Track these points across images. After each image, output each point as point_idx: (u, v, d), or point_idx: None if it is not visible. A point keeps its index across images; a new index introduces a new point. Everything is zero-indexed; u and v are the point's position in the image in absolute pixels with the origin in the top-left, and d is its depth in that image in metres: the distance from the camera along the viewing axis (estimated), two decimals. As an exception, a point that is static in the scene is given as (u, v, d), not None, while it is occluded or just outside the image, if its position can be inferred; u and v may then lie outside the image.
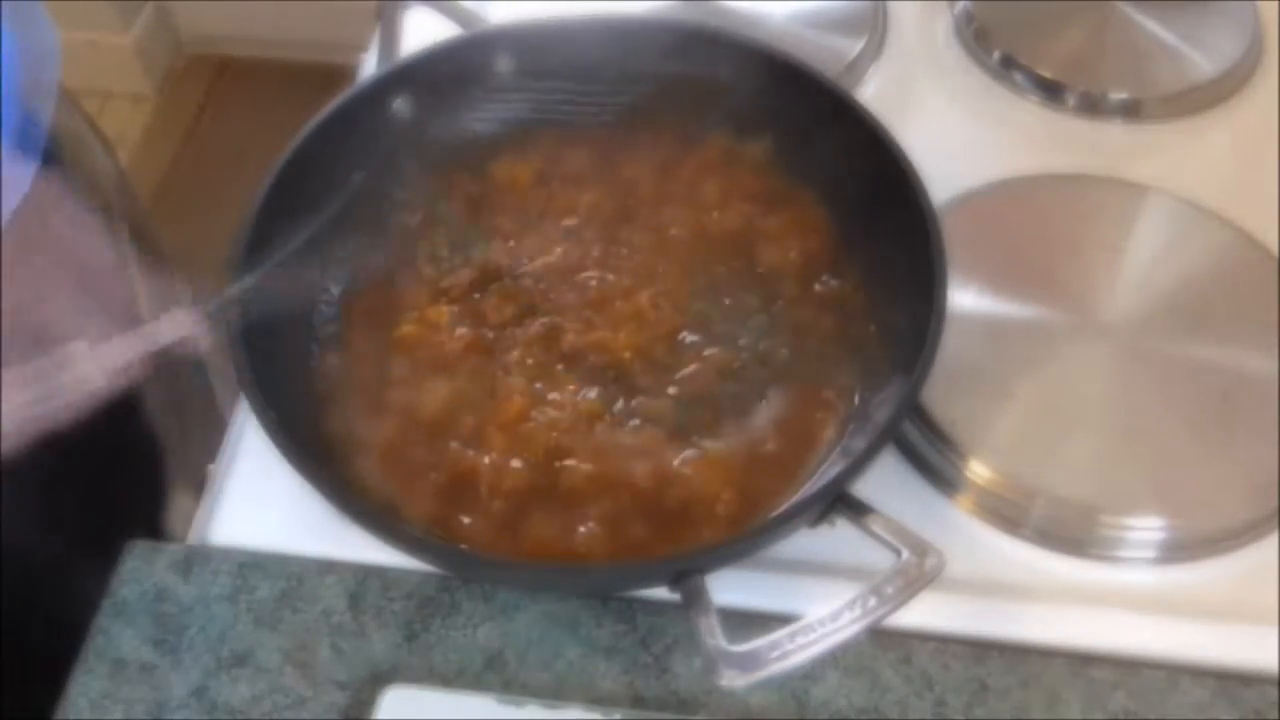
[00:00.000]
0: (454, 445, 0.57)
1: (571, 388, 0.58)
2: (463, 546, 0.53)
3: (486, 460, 0.56)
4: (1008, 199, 0.69)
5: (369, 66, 0.74)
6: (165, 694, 0.53)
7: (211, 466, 0.62)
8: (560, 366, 0.59)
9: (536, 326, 0.60)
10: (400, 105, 0.65)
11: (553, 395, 0.58)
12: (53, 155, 0.65)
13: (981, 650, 0.54)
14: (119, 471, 0.77)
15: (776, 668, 0.44)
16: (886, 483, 0.53)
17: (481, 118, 0.68)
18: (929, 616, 0.54)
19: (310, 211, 0.60)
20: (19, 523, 0.66)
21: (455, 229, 0.65)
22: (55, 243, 0.58)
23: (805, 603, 0.48)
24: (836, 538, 0.50)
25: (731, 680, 0.45)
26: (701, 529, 0.54)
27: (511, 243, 0.64)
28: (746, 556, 0.50)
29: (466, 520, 0.55)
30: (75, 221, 0.60)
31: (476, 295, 0.62)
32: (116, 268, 0.62)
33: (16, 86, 0.61)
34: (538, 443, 0.56)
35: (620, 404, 0.58)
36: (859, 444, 0.55)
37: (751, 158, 0.67)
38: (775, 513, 0.54)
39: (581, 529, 0.54)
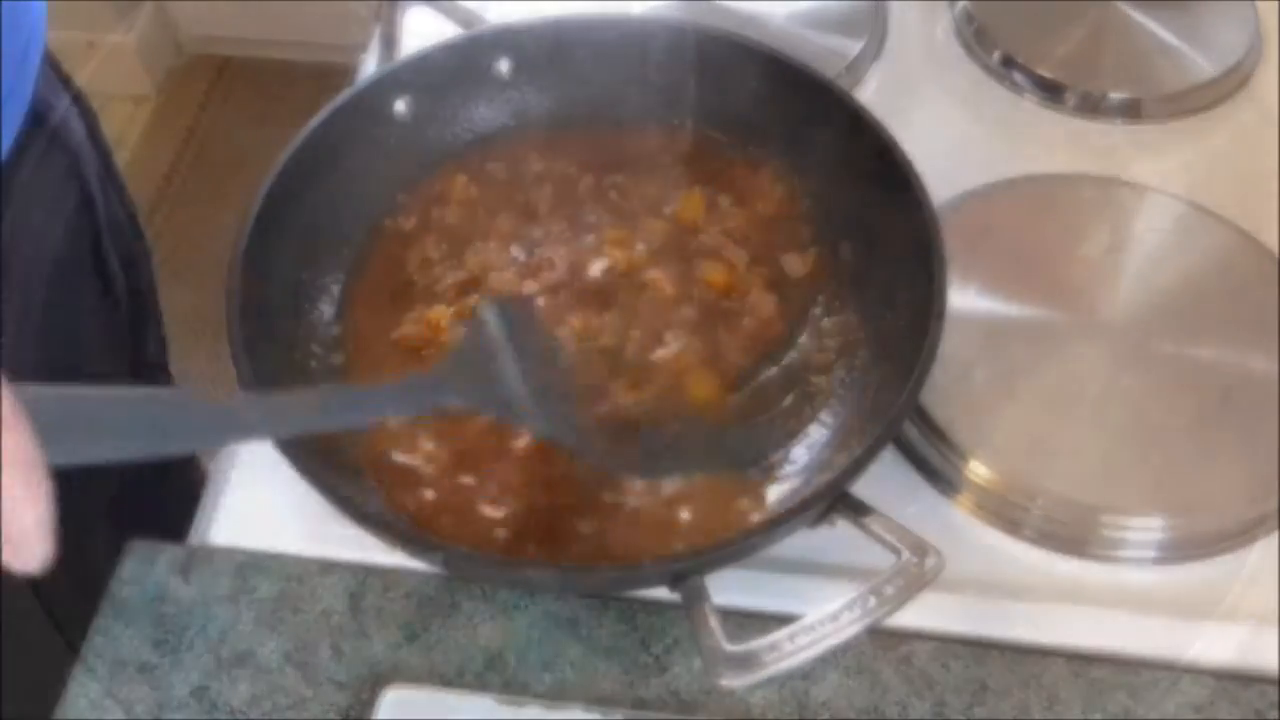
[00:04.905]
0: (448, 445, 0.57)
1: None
2: (462, 547, 0.53)
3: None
4: (1007, 199, 0.69)
5: (369, 66, 0.74)
6: (165, 694, 0.53)
7: (211, 466, 0.62)
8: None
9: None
10: (400, 105, 0.65)
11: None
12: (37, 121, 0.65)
13: (981, 650, 0.54)
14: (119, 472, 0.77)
15: (776, 668, 0.44)
16: (886, 483, 0.53)
17: (481, 118, 0.68)
18: (929, 616, 0.54)
19: (310, 212, 0.60)
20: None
21: (453, 230, 0.65)
22: None
23: (805, 603, 0.47)
24: (836, 538, 0.50)
25: (731, 680, 0.45)
26: (700, 528, 0.54)
27: (510, 244, 0.64)
28: (746, 556, 0.50)
29: (464, 518, 0.55)
30: None
31: (474, 297, 0.62)
32: None
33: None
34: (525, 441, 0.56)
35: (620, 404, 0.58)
36: (859, 444, 0.55)
37: (750, 158, 0.67)
38: (775, 513, 0.54)
39: (577, 529, 0.54)
